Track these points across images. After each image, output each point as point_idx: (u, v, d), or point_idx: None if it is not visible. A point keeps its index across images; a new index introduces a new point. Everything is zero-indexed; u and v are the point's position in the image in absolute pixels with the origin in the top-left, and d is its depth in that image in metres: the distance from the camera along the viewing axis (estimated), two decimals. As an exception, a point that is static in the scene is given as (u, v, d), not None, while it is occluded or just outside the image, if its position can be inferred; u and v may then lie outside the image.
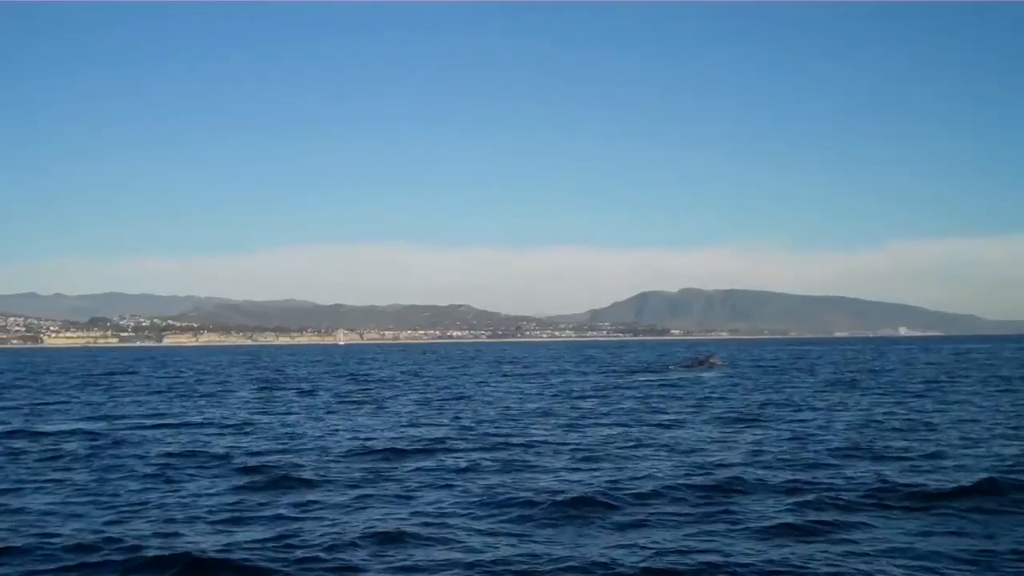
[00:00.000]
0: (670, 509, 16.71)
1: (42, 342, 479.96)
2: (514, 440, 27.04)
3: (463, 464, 22.31)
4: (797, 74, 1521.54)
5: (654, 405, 40.49)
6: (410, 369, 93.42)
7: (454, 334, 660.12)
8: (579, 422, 32.80)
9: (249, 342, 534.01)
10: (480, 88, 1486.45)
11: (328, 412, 38.88)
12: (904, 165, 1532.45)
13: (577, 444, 25.96)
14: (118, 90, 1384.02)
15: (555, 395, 48.50)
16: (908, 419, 32.24)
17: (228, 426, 33.07)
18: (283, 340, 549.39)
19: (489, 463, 22.43)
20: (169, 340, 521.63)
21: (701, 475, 20.09)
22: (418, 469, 21.67)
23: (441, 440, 27.21)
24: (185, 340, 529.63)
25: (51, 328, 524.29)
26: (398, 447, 25.48)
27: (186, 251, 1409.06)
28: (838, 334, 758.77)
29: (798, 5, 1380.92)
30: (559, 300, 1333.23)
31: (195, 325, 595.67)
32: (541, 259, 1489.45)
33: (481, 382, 64.25)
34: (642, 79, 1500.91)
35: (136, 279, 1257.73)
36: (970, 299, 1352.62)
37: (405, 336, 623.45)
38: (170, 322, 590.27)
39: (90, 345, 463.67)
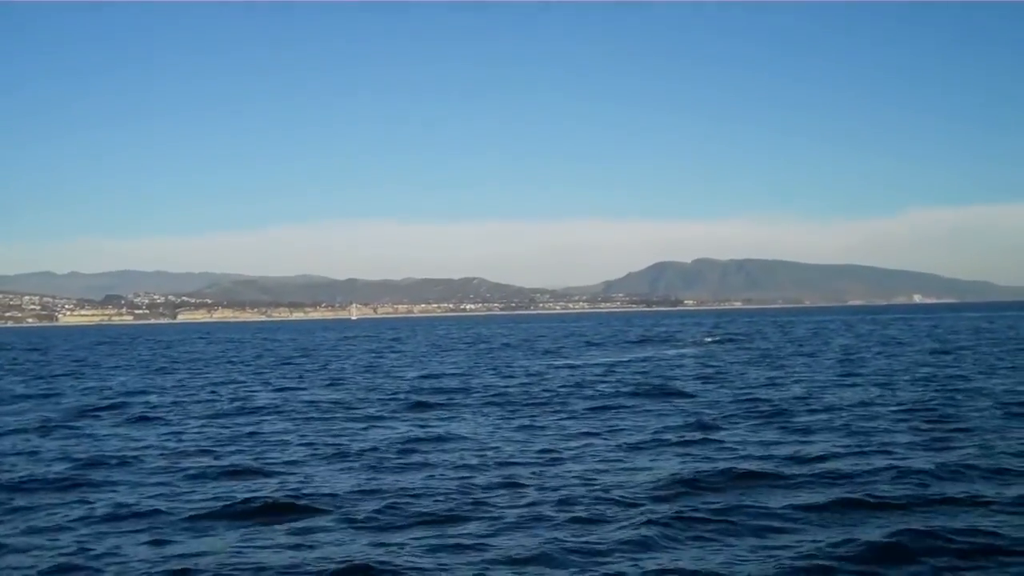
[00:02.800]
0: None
1: (57, 320, 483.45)
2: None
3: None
4: (810, 42, 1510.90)
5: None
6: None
7: (468, 307, 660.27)
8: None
9: (264, 318, 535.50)
10: (493, 63, 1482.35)
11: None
12: (918, 133, 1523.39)
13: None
14: (134, 73, 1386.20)
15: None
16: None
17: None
18: (297, 315, 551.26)
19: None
20: (183, 317, 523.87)
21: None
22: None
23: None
24: (200, 316, 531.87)
25: (66, 306, 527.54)
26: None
27: (201, 228, 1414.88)
28: (852, 302, 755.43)
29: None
30: (573, 272, 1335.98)
31: (209, 301, 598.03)
32: (555, 231, 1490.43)
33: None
34: (655, 49, 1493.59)
35: (151, 257, 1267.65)
36: (984, 265, 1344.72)
37: (419, 310, 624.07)
38: (184, 299, 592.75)
39: (104, 323, 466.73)
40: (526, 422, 27.12)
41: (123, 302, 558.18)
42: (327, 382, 44.92)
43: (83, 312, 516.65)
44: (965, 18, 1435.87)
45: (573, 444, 22.69)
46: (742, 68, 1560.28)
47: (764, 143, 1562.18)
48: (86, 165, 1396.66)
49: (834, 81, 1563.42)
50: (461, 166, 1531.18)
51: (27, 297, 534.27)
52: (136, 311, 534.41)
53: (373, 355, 74.50)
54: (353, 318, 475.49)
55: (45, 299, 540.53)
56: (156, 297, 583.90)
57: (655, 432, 24.31)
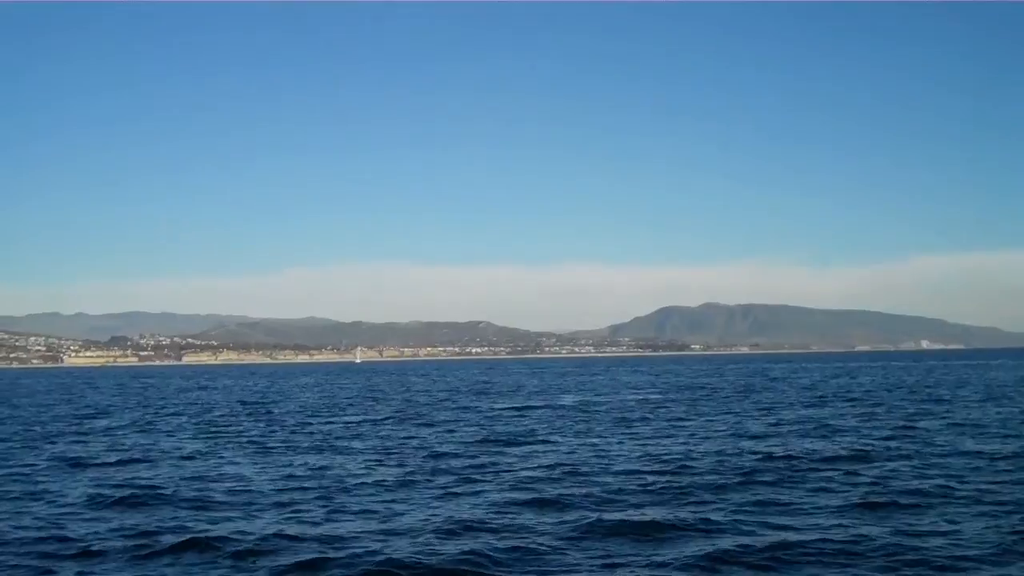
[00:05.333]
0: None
1: (62, 362, 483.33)
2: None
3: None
4: (817, 85, 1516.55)
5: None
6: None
7: (474, 351, 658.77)
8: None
9: (268, 360, 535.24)
10: (499, 106, 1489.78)
11: None
12: (926, 178, 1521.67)
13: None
14: (137, 110, 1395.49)
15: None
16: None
17: None
18: (302, 358, 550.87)
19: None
20: (188, 358, 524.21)
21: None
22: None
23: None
24: (204, 359, 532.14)
25: (71, 348, 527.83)
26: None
27: (208, 270, 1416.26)
28: (859, 348, 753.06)
29: (823, 5, 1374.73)
30: (580, 316, 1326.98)
31: (214, 343, 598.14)
32: (562, 275, 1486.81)
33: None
34: (660, 92, 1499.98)
35: (157, 298, 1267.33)
36: (992, 311, 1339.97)
37: (424, 353, 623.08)
38: (189, 340, 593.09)
39: (109, 364, 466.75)
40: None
41: (128, 343, 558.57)
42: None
43: (88, 353, 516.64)
44: (975, 62, 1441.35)
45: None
46: (748, 114, 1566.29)
47: (772, 188, 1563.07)
48: (93, 205, 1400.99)
49: (840, 124, 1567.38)
50: (468, 210, 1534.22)
51: (32, 338, 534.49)
52: (141, 352, 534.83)
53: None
54: (357, 361, 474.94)
55: (51, 340, 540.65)
56: (161, 339, 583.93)
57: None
